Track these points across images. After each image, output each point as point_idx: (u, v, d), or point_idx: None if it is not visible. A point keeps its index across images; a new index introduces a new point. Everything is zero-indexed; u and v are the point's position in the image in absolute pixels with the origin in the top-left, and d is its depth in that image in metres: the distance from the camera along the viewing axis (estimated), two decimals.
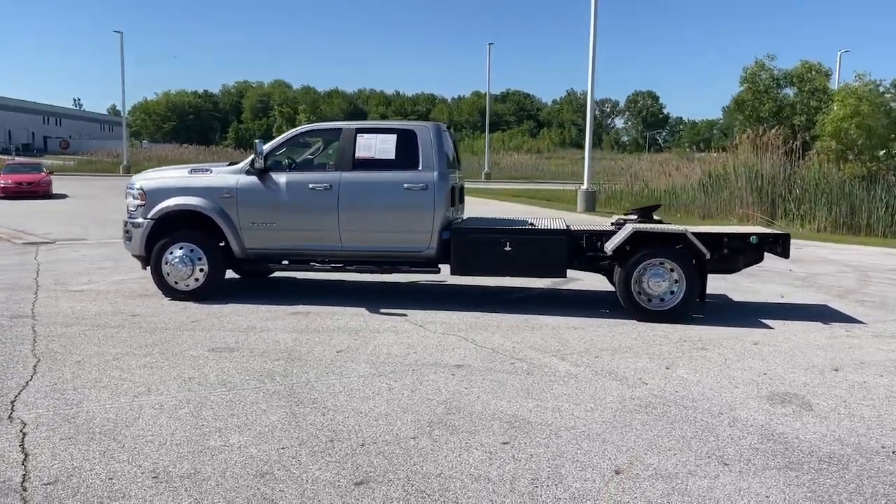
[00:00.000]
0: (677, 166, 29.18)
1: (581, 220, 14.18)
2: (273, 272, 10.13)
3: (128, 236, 8.66)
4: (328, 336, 6.83)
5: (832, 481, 3.87)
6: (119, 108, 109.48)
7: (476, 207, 23.51)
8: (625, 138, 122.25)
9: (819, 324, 7.84)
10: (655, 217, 9.18)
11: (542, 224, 8.65)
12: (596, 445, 4.29)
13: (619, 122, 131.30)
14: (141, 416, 4.58)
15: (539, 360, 6.16)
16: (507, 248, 8.01)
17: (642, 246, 7.86)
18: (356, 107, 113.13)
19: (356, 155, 8.29)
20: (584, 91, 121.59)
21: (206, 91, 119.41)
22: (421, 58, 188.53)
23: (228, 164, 8.85)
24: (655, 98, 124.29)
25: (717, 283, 10.16)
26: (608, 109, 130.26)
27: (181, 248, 8.36)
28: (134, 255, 8.76)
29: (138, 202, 8.58)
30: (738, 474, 3.92)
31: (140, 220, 8.51)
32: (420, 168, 8.16)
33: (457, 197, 8.91)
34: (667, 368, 5.98)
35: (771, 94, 27.02)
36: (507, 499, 3.57)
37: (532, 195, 34.50)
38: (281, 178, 8.35)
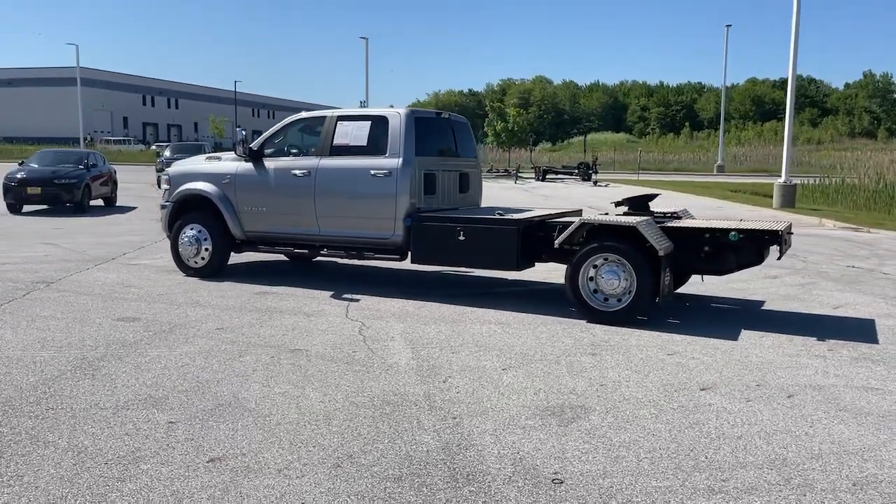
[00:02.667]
0: None
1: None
2: (316, 257, 10.68)
3: (160, 218, 9.70)
4: (240, 314, 7.15)
5: (418, 498, 3.39)
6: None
7: (661, 200, 22.05)
8: None
9: (812, 339, 6.53)
10: (665, 209, 8.22)
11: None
12: (257, 434, 4.16)
13: None
14: None
15: (393, 351, 5.95)
16: (461, 238, 7.72)
17: (594, 240, 7.14)
18: (616, 99, 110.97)
19: (334, 142, 8.50)
20: (884, 73, 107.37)
21: (470, 90, 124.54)
22: (686, 45, 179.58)
23: None
24: None
25: (779, 289, 8.80)
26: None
27: (192, 229, 9.17)
28: (166, 236, 9.79)
29: (166, 187, 9.57)
30: (328, 479, 3.60)
31: (166, 203, 9.49)
32: (387, 154, 8.15)
33: (447, 185, 8.72)
34: (503, 370, 5.46)
35: None
36: (84, 472, 3.65)
37: (755, 189, 31.61)
38: (271, 164, 8.81)
